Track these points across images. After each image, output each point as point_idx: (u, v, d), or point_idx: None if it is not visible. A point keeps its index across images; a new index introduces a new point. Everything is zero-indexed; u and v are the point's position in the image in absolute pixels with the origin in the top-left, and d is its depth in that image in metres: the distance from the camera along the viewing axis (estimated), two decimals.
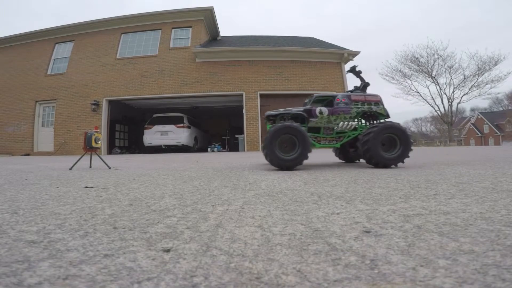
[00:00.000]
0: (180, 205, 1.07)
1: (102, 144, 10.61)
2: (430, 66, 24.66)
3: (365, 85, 3.02)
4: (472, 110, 49.32)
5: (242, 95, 10.61)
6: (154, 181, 1.82)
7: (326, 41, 13.23)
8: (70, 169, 2.98)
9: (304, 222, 0.80)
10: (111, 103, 10.95)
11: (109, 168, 3.11)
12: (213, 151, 11.34)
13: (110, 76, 10.88)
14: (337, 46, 11.88)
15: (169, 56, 10.95)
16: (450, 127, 26.63)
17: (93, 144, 3.02)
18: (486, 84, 23.81)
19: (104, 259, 0.55)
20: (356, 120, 2.89)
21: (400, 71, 25.30)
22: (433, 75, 24.85)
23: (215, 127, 16.51)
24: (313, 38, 14.03)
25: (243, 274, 0.48)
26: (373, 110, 2.84)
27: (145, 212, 0.96)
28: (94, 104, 10.51)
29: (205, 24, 11.81)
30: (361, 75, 3.05)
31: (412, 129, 59.51)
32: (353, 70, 3.05)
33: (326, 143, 2.82)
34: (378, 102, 2.87)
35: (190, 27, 11.35)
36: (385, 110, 2.88)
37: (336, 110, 2.80)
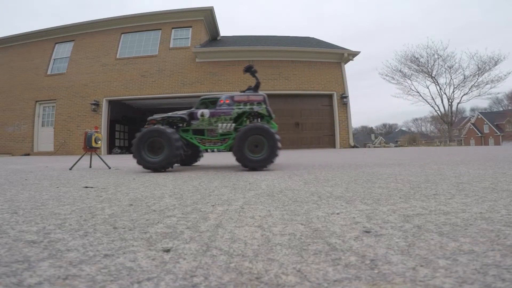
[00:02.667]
0: (180, 205, 1.07)
1: (102, 144, 10.62)
2: (430, 66, 24.66)
3: (256, 84, 2.99)
4: (472, 110, 49.34)
5: None
6: (154, 181, 1.82)
7: (326, 41, 13.23)
8: (70, 169, 2.99)
9: (304, 222, 0.80)
10: (111, 103, 10.95)
11: (109, 168, 3.11)
12: (213, 151, 11.34)
13: (110, 76, 10.88)
14: (337, 46, 11.88)
15: (169, 56, 10.95)
16: (450, 127, 26.63)
17: (93, 144, 3.02)
18: (486, 84, 23.82)
19: (104, 259, 0.55)
20: (235, 121, 2.83)
21: (400, 71, 25.30)
22: (433, 75, 24.85)
23: None
24: (313, 38, 14.03)
25: (243, 274, 0.48)
26: (254, 110, 2.80)
27: (145, 212, 0.96)
28: (94, 104, 10.51)
29: (205, 24, 11.81)
30: (256, 74, 3.02)
31: (412, 129, 59.56)
32: (249, 69, 3.00)
33: (211, 145, 2.83)
34: (261, 102, 2.82)
35: (190, 27, 11.35)
36: (268, 110, 2.82)
37: (217, 112, 2.81)
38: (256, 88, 2.97)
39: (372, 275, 0.46)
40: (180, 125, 2.88)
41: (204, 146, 2.84)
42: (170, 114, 2.90)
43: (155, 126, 2.65)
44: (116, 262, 0.54)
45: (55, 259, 0.56)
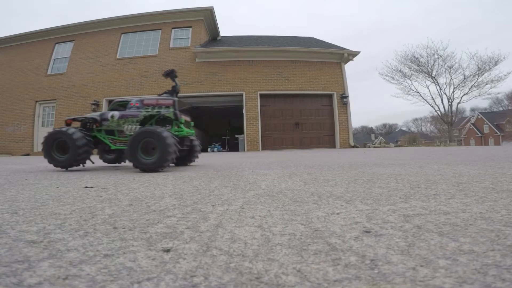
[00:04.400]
0: (180, 205, 1.07)
1: None
2: (430, 66, 24.63)
3: (174, 89, 3.10)
4: (472, 110, 49.30)
5: (242, 95, 10.62)
6: (154, 181, 1.83)
7: (326, 41, 13.23)
8: (67, 169, 3.00)
9: (304, 222, 0.80)
10: (111, 103, 10.95)
11: (93, 163, 3.26)
12: (213, 151, 11.34)
13: (110, 76, 10.89)
14: (337, 46, 11.88)
15: (169, 56, 10.95)
16: (450, 127, 26.62)
17: None
18: (486, 84, 23.78)
19: (104, 259, 0.55)
20: (142, 123, 2.95)
21: (400, 71, 25.27)
22: (433, 75, 24.82)
23: (215, 127, 16.50)
24: (313, 38, 14.04)
25: (243, 274, 0.48)
26: (161, 114, 2.89)
27: (145, 212, 0.96)
28: (94, 104, 10.51)
29: (205, 24, 11.81)
30: (176, 79, 3.14)
31: (412, 129, 59.57)
32: (169, 74, 3.10)
33: (122, 145, 3.00)
34: (170, 105, 2.90)
35: (190, 27, 11.35)
36: (175, 113, 2.88)
37: (126, 114, 2.97)
38: (172, 92, 3.09)
39: (372, 275, 0.46)
40: (94, 125, 3.09)
41: (115, 145, 3.03)
42: (86, 115, 3.13)
43: (61, 128, 2.87)
44: (116, 262, 0.54)
45: (55, 259, 0.56)
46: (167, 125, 3.01)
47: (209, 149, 11.59)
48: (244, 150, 10.37)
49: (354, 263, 0.51)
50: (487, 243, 0.59)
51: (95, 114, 3.08)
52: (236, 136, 11.32)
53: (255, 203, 1.09)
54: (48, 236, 0.70)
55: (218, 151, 11.60)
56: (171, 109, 2.88)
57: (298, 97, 10.95)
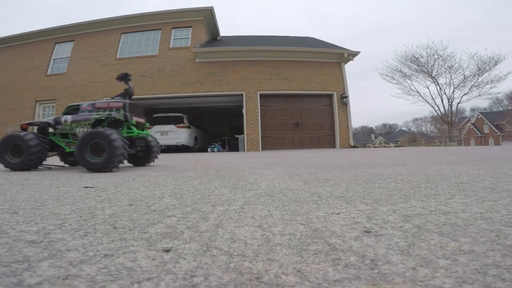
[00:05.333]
0: (180, 205, 1.07)
1: None
2: (430, 66, 24.62)
3: (127, 92, 3.20)
4: (472, 110, 49.27)
5: (242, 95, 10.61)
6: (154, 181, 1.83)
7: (326, 41, 13.23)
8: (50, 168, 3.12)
9: (304, 222, 0.80)
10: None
11: (49, 168, 3.30)
12: (213, 151, 11.34)
13: (110, 76, 10.86)
14: (337, 46, 11.88)
15: (169, 56, 10.95)
16: (450, 127, 26.61)
17: None
18: (486, 84, 23.77)
19: (104, 259, 0.55)
20: (94, 126, 3.02)
21: (400, 71, 25.25)
22: (433, 75, 24.81)
23: (215, 127, 16.50)
24: (313, 38, 14.03)
25: (243, 274, 0.48)
26: (111, 116, 2.98)
27: (145, 212, 0.96)
28: None
29: (205, 24, 11.81)
30: (130, 82, 3.25)
31: (412, 129, 59.56)
32: (122, 78, 3.22)
33: (75, 147, 3.05)
34: (120, 108, 3.00)
35: (190, 27, 11.35)
36: (125, 115, 2.97)
37: (78, 117, 3.09)
38: (125, 94, 3.18)
39: (372, 275, 0.46)
40: (49, 129, 3.22)
41: (70, 148, 3.13)
42: (41, 119, 3.28)
43: (17, 132, 3.02)
44: (116, 262, 0.54)
45: (55, 259, 0.56)
46: (119, 127, 3.08)
47: (209, 149, 11.59)
48: (244, 150, 10.37)
49: (354, 263, 0.51)
50: (487, 243, 0.59)
51: (49, 119, 3.22)
52: (236, 136, 11.32)
53: (255, 203, 1.09)
54: (48, 236, 0.70)
55: (218, 151, 11.60)
56: (121, 112, 2.98)
57: (298, 97, 10.95)
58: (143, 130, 3.30)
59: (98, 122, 3.02)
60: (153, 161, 3.51)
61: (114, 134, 2.63)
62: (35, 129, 3.27)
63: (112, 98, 3.20)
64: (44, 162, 3.12)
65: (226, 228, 0.75)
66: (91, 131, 2.71)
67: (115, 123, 3.04)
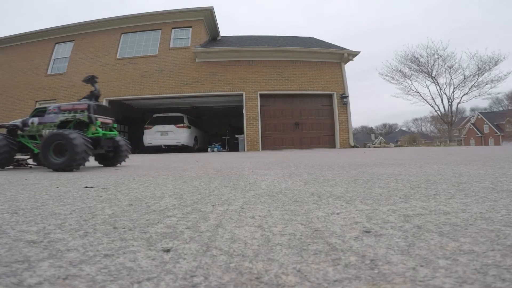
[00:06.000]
0: (180, 205, 1.07)
1: None
2: (430, 66, 24.64)
3: (92, 93, 3.31)
4: (472, 110, 49.25)
5: (242, 95, 10.62)
6: (154, 181, 1.83)
7: (326, 41, 13.23)
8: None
9: (304, 222, 0.80)
10: (111, 103, 10.95)
11: (26, 165, 3.43)
12: (213, 151, 11.34)
13: (110, 76, 10.88)
14: (337, 46, 11.88)
15: (169, 56, 10.95)
16: (450, 127, 26.62)
17: None
18: (486, 84, 23.79)
19: (104, 259, 0.55)
20: (60, 127, 3.09)
21: (400, 71, 25.27)
22: (433, 75, 24.83)
23: (215, 127, 16.50)
24: (313, 38, 14.03)
25: (243, 274, 0.48)
26: (76, 118, 3.09)
27: (145, 212, 0.96)
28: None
29: (205, 24, 11.81)
30: (96, 85, 3.36)
31: (412, 129, 59.54)
32: (89, 80, 3.34)
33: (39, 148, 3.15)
34: (84, 109, 3.09)
35: (190, 27, 11.35)
36: (90, 117, 3.05)
37: (44, 119, 3.18)
38: (91, 96, 3.29)
39: (372, 275, 0.46)
40: (19, 131, 3.31)
41: (37, 149, 3.17)
42: (10, 122, 3.36)
43: None
44: (116, 262, 0.54)
45: (55, 259, 0.56)
46: (84, 128, 3.15)
47: (209, 149, 11.59)
48: (244, 150, 10.37)
49: (354, 263, 0.51)
50: (487, 243, 0.59)
51: (17, 121, 3.31)
52: (236, 136, 11.32)
53: (255, 203, 1.09)
54: (48, 236, 0.70)
55: (218, 151, 11.60)
56: (85, 113, 3.07)
57: (298, 97, 10.95)
58: (111, 131, 3.41)
59: (64, 124, 3.13)
60: (124, 161, 3.59)
61: (74, 134, 2.71)
62: (5, 131, 3.37)
63: (79, 100, 3.31)
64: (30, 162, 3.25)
65: (226, 228, 0.75)
66: (52, 133, 2.81)
67: (80, 125, 3.14)
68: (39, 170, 3.03)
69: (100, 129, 3.18)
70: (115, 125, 3.52)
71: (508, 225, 0.71)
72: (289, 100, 10.95)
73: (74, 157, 2.64)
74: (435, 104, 26.71)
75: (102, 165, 3.56)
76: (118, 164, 3.54)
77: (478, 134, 42.35)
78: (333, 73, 10.98)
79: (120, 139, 3.50)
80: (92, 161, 3.59)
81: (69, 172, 2.62)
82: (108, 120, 3.37)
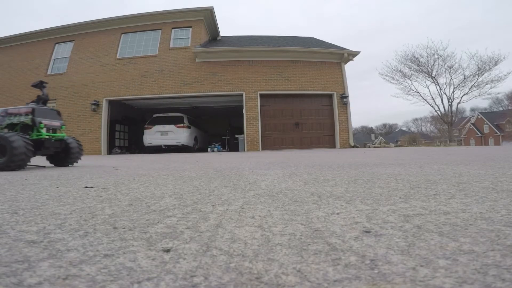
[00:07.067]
0: (180, 205, 1.07)
1: (102, 144, 10.63)
2: (430, 66, 24.64)
3: (40, 97, 3.46)
4: (472, 110, 49.23)
5: (242, 95, 10.62)
6: (154, 181, 1.83)
7: (326, 41, 13.23)
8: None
9: (304, 222, 0.80)
10: (111, 103, 10.95)
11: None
12: (213, 151, 11.34)
13: (110, 76, 10.88)
14: (337, 46, 11.88)
15: (169, 56, 10.95)
16: (450, 127, 26.62)
17: None
18: (486, 84, 23.79)
19: (104, 259, 0.55)
20: (12, 130, 3.23)
21: (400, 71, 25.28)
22: (433, 75, 24.83)
23: (215, 127, 16.50)
24: (313, 38, 14.03)
25: (243, 274, 0.48)
26: (21, 121, 3.22)
27: (145, 212, 0.96)
28: (94, 104, 10.51)
29: (205, 24, 11.81)
30: (44, 89, 3.49)
31: (412, 129, 59.54)
32: (37, 85, 3.48)
33: None
34: (29, 113, 3.23)
35: (190, 27, 11.35)
36: (33, 120, 3.20)
37: None
38: (39, 100, 3.45)
39: (372, 275, 0.46)
40: None
41: None
42: None
43: None
44: (116, 262, 0.54)
45: (55, 259, 0.56)
46: (29, 131, 3.28)
47: (209, 149, 11.59)
48: (244, 150, 10.37)
49: (354, 263, 0.51)
50: (487, 243, 0.59)
51: None
52: (236, 136, 11.32)
53: (255, 203, 1.09)
54: (48, 236, 0.70)
55: (218, 151, 11.60)
56: (30, 116, 3.22)
57: (298, 97, 10.95)
58: (58, 132, 3.58)
59: (12, 126, 3.28)
60: (77, 162, 3.69)
61: (14, 136, 2.83)
62: None
63: (27, 103, 3.43)
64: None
65: (226, 228, 0.75)
66: None
67: (25, 127, 3.26)
68: (39, 170, 3.03)
69: (43, 132, 3.29)
70: (64, 127, 3.69)
71: (508, 225, 0.71)
72: (289, 100, 10.95)
73: (12, 158, 2.77)
74: (435, 104, 26.72)
75: (52, 165, 3.66)
76: (70, 165, 3.64)
77: (478, 134, 42.35)
78: (333, 73, 10.98)
79: (72, 141, 3.63)
80: (43, 161, 3.73)
81: (11, 171, 2.73)
82: (55, 123, 3.52)
